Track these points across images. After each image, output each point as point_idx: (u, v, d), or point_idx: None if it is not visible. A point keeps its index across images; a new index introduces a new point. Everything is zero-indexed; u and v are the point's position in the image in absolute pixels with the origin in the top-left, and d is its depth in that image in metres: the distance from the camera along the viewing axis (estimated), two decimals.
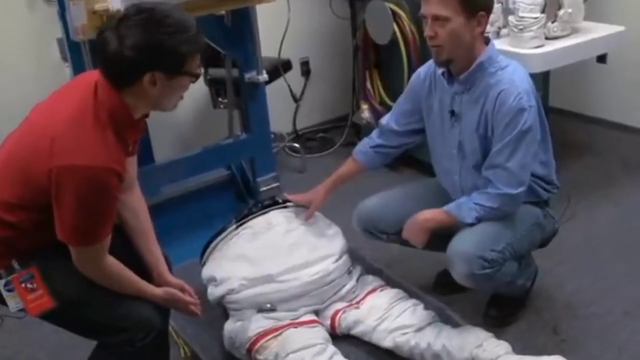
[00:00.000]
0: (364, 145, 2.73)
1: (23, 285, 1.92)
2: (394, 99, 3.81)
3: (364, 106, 4.03)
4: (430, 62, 2.50)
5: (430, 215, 2.42)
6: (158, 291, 2.09)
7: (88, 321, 2.01)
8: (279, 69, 3.91)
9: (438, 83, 2.47)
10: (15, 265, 1.93)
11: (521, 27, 3.24)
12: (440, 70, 2.44)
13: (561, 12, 3.35)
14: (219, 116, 3.93)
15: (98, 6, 2.62)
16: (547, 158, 2.50)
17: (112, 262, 1.96)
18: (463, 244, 2.35)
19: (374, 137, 2.72)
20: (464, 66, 2.35)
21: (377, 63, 3.97)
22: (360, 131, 4.31)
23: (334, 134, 4.59)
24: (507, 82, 2.29)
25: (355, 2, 4.13)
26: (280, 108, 4.33)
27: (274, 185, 3.54)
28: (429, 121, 2.56)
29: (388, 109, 3.87)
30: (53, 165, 1.77)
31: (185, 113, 4.18)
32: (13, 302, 1.94)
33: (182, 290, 2.17)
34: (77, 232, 1.85)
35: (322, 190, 2.66)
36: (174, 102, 1.97)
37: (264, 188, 3.52)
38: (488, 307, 2.70)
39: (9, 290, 1.93)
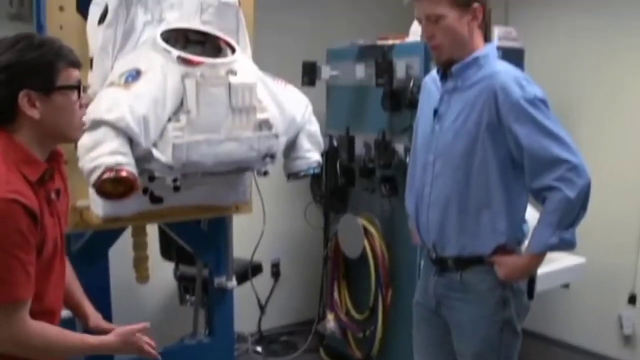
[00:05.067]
0: None
1: None
2: (360, 312, 3.87)
3: (330, 316, 4.05)
4: (427, 78, 2.54)
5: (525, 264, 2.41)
6: (109, 337, 1.91)
7: None
8: (248, 272, 3.95)
9: (432, 88, 2.47)
10: None
11: None
12: (435, 70, 2.46)
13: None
14: (184, 312, 3.92)
15: None
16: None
17: (35, 325, 1.74)
18: None
19: None
20: (461, 60, 2.33)
21: (346, 275, 4.03)
22: (324, 339, 4.29)
23: (298, 338, 4.56)
24: (502, 73, 2.27)
25: (330, 214, 4.24)
26: (247, 308, 4.33)
27: None
28: (415, 131, 2.56)
29: (353, 321, 3.91)
30: None
31: (151, 305, 4.18)
32: None
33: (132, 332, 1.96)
34: None
35: None
36: (74, 125, 1.84)
37: None
38: None
39: None
